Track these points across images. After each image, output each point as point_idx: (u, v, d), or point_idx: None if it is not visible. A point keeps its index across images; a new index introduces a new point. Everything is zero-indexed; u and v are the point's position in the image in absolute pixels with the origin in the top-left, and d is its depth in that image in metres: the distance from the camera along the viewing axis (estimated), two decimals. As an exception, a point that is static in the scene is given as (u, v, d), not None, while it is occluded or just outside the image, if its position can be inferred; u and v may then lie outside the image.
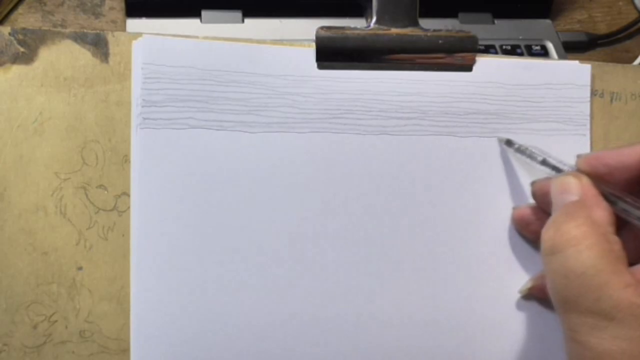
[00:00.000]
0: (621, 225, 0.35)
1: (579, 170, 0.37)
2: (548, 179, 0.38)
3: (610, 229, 0.33)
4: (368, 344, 0.39)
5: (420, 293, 0.40)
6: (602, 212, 0.34)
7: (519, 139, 0.41)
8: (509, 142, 0.41)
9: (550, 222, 0.34)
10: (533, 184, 0.40)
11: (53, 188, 0.37)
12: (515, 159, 0.41)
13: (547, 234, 0.34)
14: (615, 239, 0.33)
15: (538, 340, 0.41)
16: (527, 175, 0.41)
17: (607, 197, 0.35)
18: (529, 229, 0.40)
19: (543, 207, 0.39)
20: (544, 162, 0.38)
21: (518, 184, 0.41)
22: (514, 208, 0.41)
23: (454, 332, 0.40)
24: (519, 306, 0.41)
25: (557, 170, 0.38)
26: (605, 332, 0.31)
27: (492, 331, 0.40)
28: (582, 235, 0.32)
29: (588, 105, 0.42)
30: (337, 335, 0.39)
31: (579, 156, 0.37)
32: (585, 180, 0.35)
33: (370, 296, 0.39)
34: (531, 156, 0.39)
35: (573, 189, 0.35)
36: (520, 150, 0.40)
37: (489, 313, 0.40)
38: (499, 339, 0.40)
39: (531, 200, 0.40)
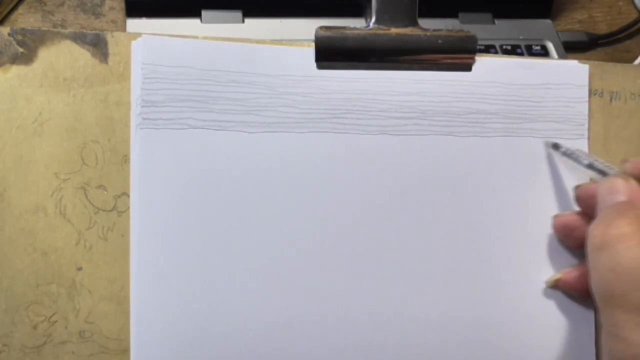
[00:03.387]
0: None
1: (625, 174, 0.37)
2: (593, 182, 0.39)
3: None
4: (369, 344, 0.39)
5: (419, 292, 0.40)
6: None
7: (518, 139, 0.41)
8: (555, 146, 0.41)
9: (598, 219, 0.35)
10: (577, 187, 0.40)
11: (53, 188, 0.37)
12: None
13: (597, 229, 0.34)
14: None
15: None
16: (526, 174, 0.41)
17: None
18: (573, 235, 0.40)
19: (586, 210, 0.39)
20: (590, 166, 0.39)
21: (517, 182, 0.41)
22: (555, 216, 0.41)
23: (459, 332, 0.40)
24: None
25: (604, 173, 0.38)
26: None
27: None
28: (633, 233, 0.33)
29: (586, 105, 0.42)
30: (339, 335, 0.39)
31: (625, 161, 0.38)
32: (634, 183, 0.36)
33: (369, 295, 0.39)
34: (577, 160, 0.40)
35: (621, 189, 0.35)
36: (567, 154, 0.40)
37: (494, 312, 0.40)
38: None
39: (531, 202, 0.41)
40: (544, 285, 0.41)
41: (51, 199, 0.37)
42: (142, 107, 0.38)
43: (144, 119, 0.38)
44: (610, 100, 0.43)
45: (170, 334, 0.38)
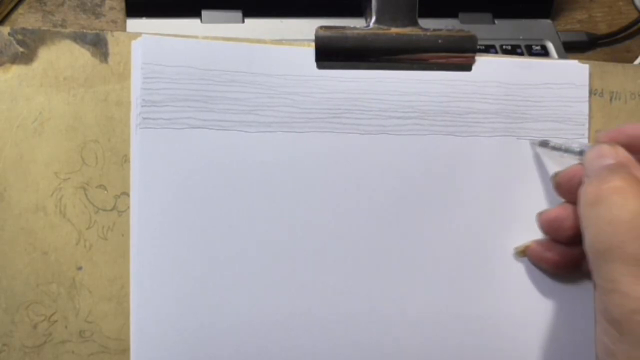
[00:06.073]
0: None
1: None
2: (574, 165, 0.38)
3: None
4: (367, 342, 0.39)
5: (419, 291, 0.40)
6: None
7: (518, 139, 0.41)
8: (544, 143, 0.41)
9: (590, 179, 0.34)
10: (556, 175, 0.40)
11: (53, 188, 0.37)
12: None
13: (590, 187, 0.34)
14: None
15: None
16: (527, 174, 0.41)
17: None
18: (564, 227, 0.39)
19: (567, 196, 0.39)
20: (582, 152, 0.38)
21: (517, 182, 0.41)
22: (540, 213, 0.40)
23: (452, 330, 0.40)
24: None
25: None
26: None
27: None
28: (628, 186, 0.32)
29: (587, 105, 0.42)
30: (337, 333, 0.39)
31: (598, 131, 0.38)
32: (620, 148, 0.35)
33: (369, 293, 0.39)
34: (569, 149, 0.39)
35: (609, 154, 0.35)
36: (557, 148, 0.40)
37: (484, 307, 0.41)
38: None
39: (531, 202, 0.41)
40: (543, 284, 0.41)
41: (51, 198, 0.37)
42: (142, 106, 0.38)
43: (144, 118, 0.38)
44: (611, 100, 0.43)
45: (170, 334, 0.38)
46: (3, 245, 0.37)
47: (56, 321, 0.37)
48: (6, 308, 0.37)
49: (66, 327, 0.37)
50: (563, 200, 0.40)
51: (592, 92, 0.43)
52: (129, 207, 0.38)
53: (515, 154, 0.41)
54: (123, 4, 0.54)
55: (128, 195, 0.38)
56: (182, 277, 0.38)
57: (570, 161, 0.39)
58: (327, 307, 0.39)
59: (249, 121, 0.39)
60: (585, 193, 0.34)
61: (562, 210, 0.39)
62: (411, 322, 0.40)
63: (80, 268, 0.37)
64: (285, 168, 0.39)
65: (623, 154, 0.35)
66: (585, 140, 0.42)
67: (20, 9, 0.55)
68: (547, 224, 0.40)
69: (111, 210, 0.38)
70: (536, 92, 0.42)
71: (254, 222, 0.39)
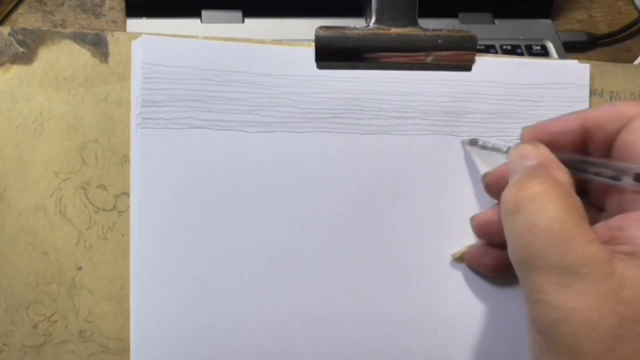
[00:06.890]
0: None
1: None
2: (501, 166, 0.38)
3: (571, 189, 0.33)
4: (366, 342, 0.39)
5: (422, 293, 0.40)
6: (562, 174, 0.33)
7: (518, 139, 0.41)
8: (473, 142, 0.40)
9: (510, 183, 0.33)
10: (485, 176, 0.39)
11: (53, 188, 0.37)
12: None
13: (509, 193, 0.32)
14: (577, 197, 0.32)
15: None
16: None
17: (573, 165, 0.34)
18: (498, 230, 0.36)
19: (497, 197, 0.38)
20: (509, 150, 0.37)
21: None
22: (472, 217, 0.40)
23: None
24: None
25: None
26: (571, 288, 0.29)
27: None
28: (546, 191, 0.31)
29: (587, 104, 0.42)
30: (337, 333, 0.39)
31: (523, 128, 0.37)
32: (543, 147, 0.35)
33: (369, 293, 0.39)
34: (496, 148, 0.38)
35: (531, 154, 0.34)
36: (486, 147, 0.39)
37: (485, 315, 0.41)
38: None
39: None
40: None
41: (51, 198, 0.37)
42: (142, 106, 0.38)
43: (144, 118, 0.38)
44: (611, 100, 0.43)
45: (170, 334, 0.38)
46: (3, 245, 0.37)
47: (56, 321, 0.37)
48: (6, 308, 0.37)
49: (66, 327, 0.37)
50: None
51: (592, 92, 0.43)
52: (129, 207, 0.38)
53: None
54: (123, 4, 0.54)
55: (128, 195, 0.38)
56: (182, 277, 0.38)
57: (501, 160, 0.38)
58: (326, 307, 0.39)
59: (249, 121, 0.39)
60: (505, 201, 0.33)
61: (492, 213, 0.39)
62: (404, 322, 0.40)
63: (80, 268, 0.37)
64: (285, 168, 0.39)
65: (545, 154, 0.34)
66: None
67: (20, 9, 0.55)
68: (479, 229, 0.40)
69: (111, 210, 0.38)
70: (536, 92, 0.42)
71: (254, 222, 0.39)
